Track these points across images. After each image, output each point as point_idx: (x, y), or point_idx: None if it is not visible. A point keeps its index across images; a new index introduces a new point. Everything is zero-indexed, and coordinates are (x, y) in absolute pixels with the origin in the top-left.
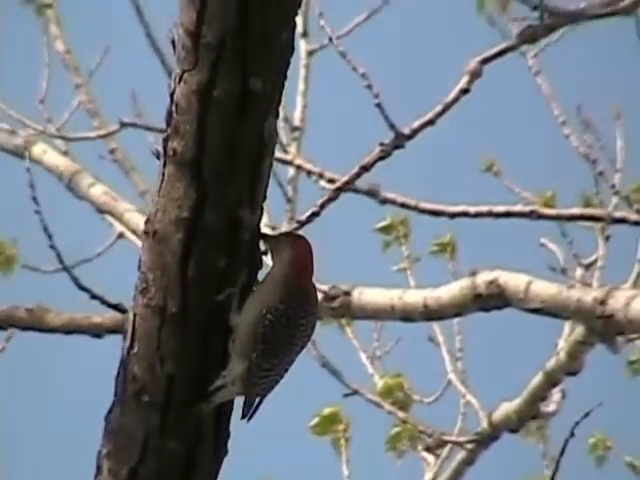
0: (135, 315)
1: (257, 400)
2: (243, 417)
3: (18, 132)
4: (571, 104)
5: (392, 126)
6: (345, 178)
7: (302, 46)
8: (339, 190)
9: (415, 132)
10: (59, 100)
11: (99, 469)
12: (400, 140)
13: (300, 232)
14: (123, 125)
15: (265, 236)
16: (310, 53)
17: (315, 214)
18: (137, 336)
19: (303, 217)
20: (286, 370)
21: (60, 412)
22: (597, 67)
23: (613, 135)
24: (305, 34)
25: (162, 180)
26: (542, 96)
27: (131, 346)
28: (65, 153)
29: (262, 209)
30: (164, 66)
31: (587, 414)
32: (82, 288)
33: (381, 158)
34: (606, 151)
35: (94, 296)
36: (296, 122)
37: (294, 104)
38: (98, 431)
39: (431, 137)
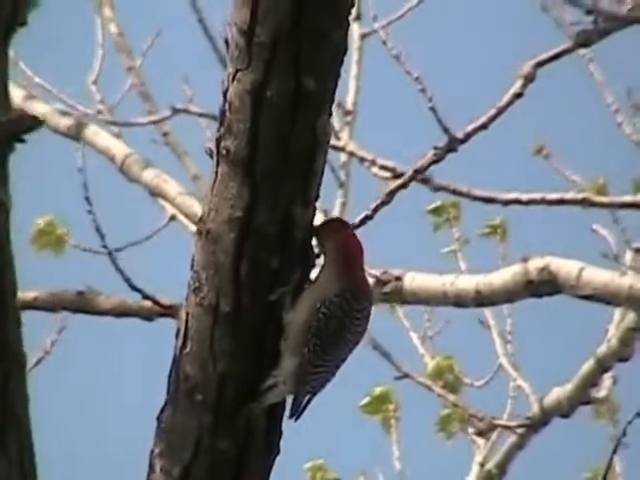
0: (188, 314)
1: (306, 398)
2: (291, 416)
3: (71, 114)
4: (623, 91)
5: (446, 130)
6: (399, 182)
7: (355, 29)
8: (393, 193)
9: (468, 136)
10: (112, 82)
11: (151, 468)
12: (453, 144)
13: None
14: (175, 111)
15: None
16: (363, 36)
17: (368, 217)
18: (190, 335)
19: (356, 220)
20: (337, 367)
21: (113, 410)
22: None
23: None
24: (358, 17)
25: (215, 179)
26: (595, 84)
27: (184, 345)
28: (117, 136)
29: (315, 207)
30: (215, 52)
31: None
32: (133, 288)
33: (434, 162)
34: None
35: (145, 296)
36: (348, 106)
37: (346, 88)
38: (151, 430)
39: None
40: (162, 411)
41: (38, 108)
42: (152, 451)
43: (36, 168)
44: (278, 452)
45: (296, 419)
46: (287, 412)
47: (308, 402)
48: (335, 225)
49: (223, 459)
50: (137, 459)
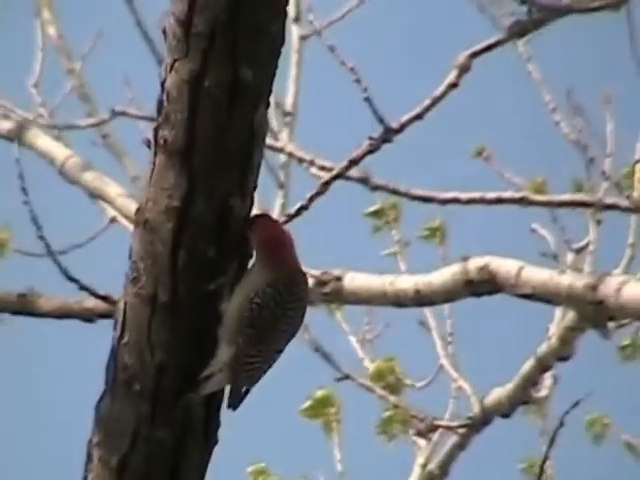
0: (126, 304)
1: (244, 390)
2: (229, 406)
3: (10, 117)
4: (561, 89)
5: (381, 120)
6: (334, 172)
7: (294, 31)
8: (328, 184)
9: (403, 126)
10: (52, 85)
11: (89, 457)
12: (389, 134)
13: (285, 220)
14: (115, 114)
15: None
16: (302, 38)
17: (304, 207)
18: (127, 325)
19: (292, 210)
20: (274, 359)
21: (51, 401)
22: (586, 52)
23: (603, 120)
24: (297, 19)
25: (153, 169)
26: (533, 82)
27: (121, 335)
28: (57, 138)
29: (252, 198)
30: (154, 54)
31: (577, 403)
32: (70, 278)
33: (370, 152)
34: (596, 136)
35: (82, 287)
36: (288, 108)
37: (286, 89)
38: (88, 420)
39: (421, 123)
40: (100, 400)
41: None
42: (90, 440)
43: None
44: (216, 442)
45: (234, 409)
46: (225, 403)
47: (246, 392)
48: (260, 220)
49: (161, 448)
50: (76, 449)
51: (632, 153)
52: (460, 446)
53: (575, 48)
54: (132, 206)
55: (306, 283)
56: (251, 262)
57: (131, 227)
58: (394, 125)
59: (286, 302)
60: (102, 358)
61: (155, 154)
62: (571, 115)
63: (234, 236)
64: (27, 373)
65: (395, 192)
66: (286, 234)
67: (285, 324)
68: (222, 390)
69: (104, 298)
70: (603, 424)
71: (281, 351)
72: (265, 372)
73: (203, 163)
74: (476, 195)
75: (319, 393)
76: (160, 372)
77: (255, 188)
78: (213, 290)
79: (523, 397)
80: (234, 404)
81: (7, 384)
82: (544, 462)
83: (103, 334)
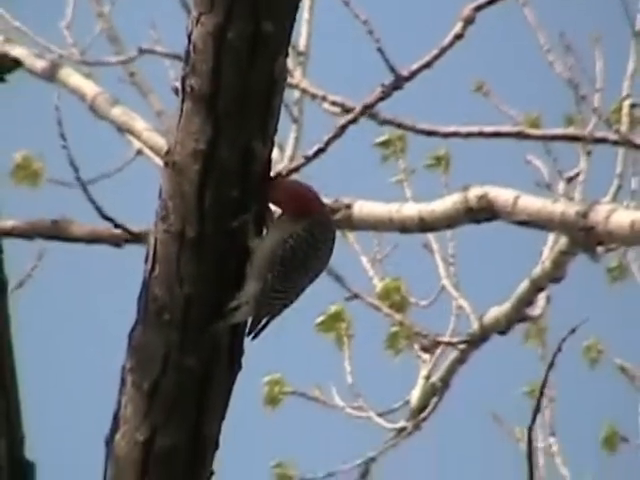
0: (156, 240)
1: (265, 320)
2: (249, 334)
3: (44, 57)
4: (553, 32)
5: (392, 69)
6: (349, 117)
7: None
8: (344, 127)
9: (413, 74)
10: (83, 27)
11: (123, 382)
12: (399, 82)
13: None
14: (142, 52)
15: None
16: None
17: (321, 150)
18: (158, 259)
19: (310, 152)
20: (297, 295)
21: (89, 330)
22: None
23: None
24: None
25: (180, 115)
26: (528, 25)
27: (152, 269)
28: (88, 76)
29: (273, 142)
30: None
31: (573, 330)
32: (100, 213)
33: (381, 98)
34: (586, 74)
35: (107, 218)
36: (301, 48)
37: (299, 31)
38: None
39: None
40: (133, 330)
41: (15, 51)
42: (124, 367)
43: (13, 107)
44: (240, 368)
45: (253, 338)
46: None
47: (266, 323)
48: (281, 181)
49: (189, 374)
50: (112, 375)
51: (620, 90)
52: (460, 361)
53: None
54: (157, 139)
55: (334, 228)
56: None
57: (156, 159)
58: (404, 73)
59: (317, 244)
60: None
61: (182, 101)
62: (563, 55)
63: (256, 177)
64: (69, 302)
65: (401, 126)
66: (308, 187)
67: (313, 265)
68: (246, 320)
69: (137, 234)
70: (598, 350)
71: (304, 289)
72: (286, 307)
73: (227, 109)
74: (475, 129)
75: (331, 309)
76: (188, 303)
77: (275, 132)
78: (237, 227)
79: (519, 315)
80: (255, 334)
81: (51, 312)
82: (544, 385)
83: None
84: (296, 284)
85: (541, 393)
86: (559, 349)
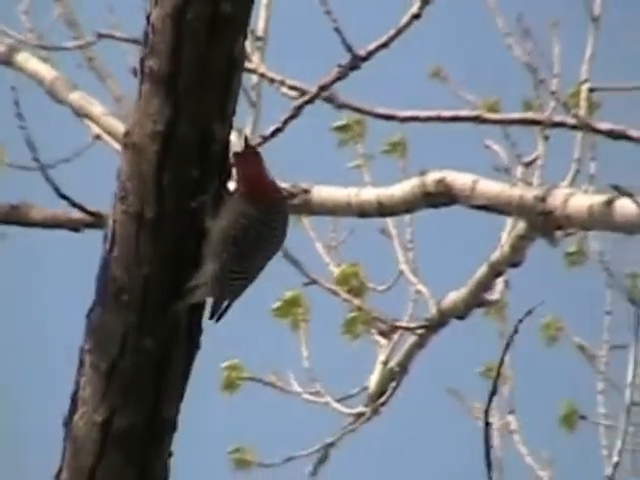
0: (115, 221)
1: (226, 303)
2: (211, 318)
3: (2, 41)
4: (512, 16)
5: (349, 49)
6: (305, 97)
7: None
8: (300, 108)
9: (370, 54)
10: (41, 12)
11: (81, 363)
12: (356, 62)
13: (260, 141)
14: (100, 36)
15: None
16: None
17: (278, 130)
18: (117, 240)
19: (267, 133)
20: (255, 275)
21: (48, 310)
22: None
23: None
24: None
25: (139, 96)
26: (487, 9)
27: (111, 249)
28: (46, 61)
29: (231, 123)
30: None
31: (530, 311)
32: (60, 195)
33: (338, 79)
34: (544, 58)
35: (72, 203)
36: (260, 32)
37: (258, 15)
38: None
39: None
40: (91, 310)
41: None
42: (82, 348)
43: None
44: (198, 348)
45: (216, 321)
46: (207, 313)
47: (227, 306)
48: (245, 155)
49: (147, 354)
50: (70, 356)
51: (578, 74)
52: (419, 345)
53: None
54: (115, 124)
55: (287, 208)
56: (233, 189)
57: (114, 144)
58: (361, 53)
59: (271, 222)
60: (91, 270)
61: (141, 82)
62: (521, 39)
63: (215, 158)
64: (28, 285)
65: (359, 110)
66: (267, 169)
67: (268, 244)
68: (204, 299)
69: (94, 214)
70: (556, 327)
71: (262, 268)
72: (246, 287)
73: (186, 90)
74: (433, 113)
75: (288, 294)
76: (147, 283)
77: (234, 113)
78: (196, 208)
79: (477, 300)
80: (216, 316)
81: (8, 292)
82: (500, 365)
83: (92, 247)
84: (253, 264)
85: (497, 374)
86: (516, 331)
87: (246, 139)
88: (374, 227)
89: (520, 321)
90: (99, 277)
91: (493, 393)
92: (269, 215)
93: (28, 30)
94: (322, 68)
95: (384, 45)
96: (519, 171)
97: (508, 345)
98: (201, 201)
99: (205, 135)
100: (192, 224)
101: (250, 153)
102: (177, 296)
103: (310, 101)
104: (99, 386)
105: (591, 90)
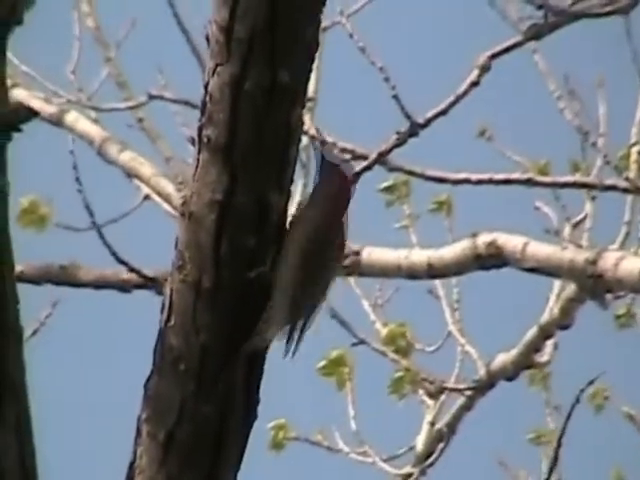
0: (172, 290)
1: (298, 337)
2: (287, 353)
3: (52, 101)
4: (560, 74)
5: (408, 116)
6: (364, 164)
7: None
8: (359, 174)
9: (429, 121)
10: (89, 72)
11: (139, 432)
12: (415, 129)
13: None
14: (151, 97)
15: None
16: (324, 29)
17: None
18: (174, 309)
19: None
20: (324, 296)
21: (105, 378)
22: (584, 41)
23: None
24: None
25: (197, 166)
26: (539, 72)
27: (168, 319)
28: (95, 121)
29: (290, 192)
30: (189, 43)
31: (592, 382)
32: (117, 258)
33: (397, 146)
34: (591, 118)
35: (120, 260)
36: (310, 93)
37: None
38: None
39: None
40: (149, 380)
41: (22, 95)
42: (139, 417)
43: (20, 152)
44: (255, 418)
45: (292, 355)
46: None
47: (300, 338)
48: (336, 170)
49: (205, 423)
50: (128, 425)
51: (626, 136)
52: (466, 407)
53: (575, 38)
54: (164, 185)
55: (347, 225)
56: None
57: (163, 204)
58: (420, 121)
59: (337, 241)
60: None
61: (199, 151)
62: (569, 100)
63: (272, 228)
64: (84, 351)
65: (411, 173)
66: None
67: (334, 261)
68: (262, 368)
69: (150, 279)
70: (604, 396)
71: (329, 287)
72: (317, 311)
73: (243, 160)
74: (485, 176)
75: (334, 353)
76: (204, 352)
77: (292, 182)
78: (254, 277)
79: (526, 362)
80: (292, 351)
81: (66, 360)
82: (561, 436)
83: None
84: (321, 284)
85: (558, 444)
86: (577, 400)
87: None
88: (421, 286)
89: (582, 391)
90: (156, 346)
91: (554, 464)
92: (337, 234)
93: (78, 90)
94: (374, 126)
95: (443, 112)
96: (567, 232)
97: (570, 413)
98: (258, 272)
99: (262, 204)
100: (249, 294)
101: (343, 171)
102: (253, 333)
103: (369, 167)
104: (156, 455)
105: None
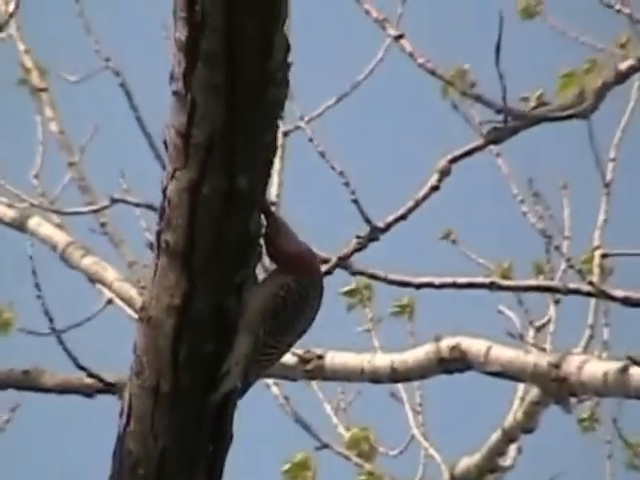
0: (131, 395)
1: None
2: (239, 397)
3: (14, 205)
4: (524, 177)
5: (368, 221)
6: (325, 268)
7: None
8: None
9: (389, 226)
10: (52, 176)
11: None
12: (375, 233)
13: None
14: (114, 201)
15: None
16: (285, 134)
17: None
18: (132, 414)
19: None
20: (286, 351)
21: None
22: (548, 145)
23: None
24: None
25: (155, 270)
26: (501, 175)
27: (127, 423)
28: (59, 226)
29: (246, 296)
30: (152, 147)
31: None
32: (77, 364)
33: (357, 250)
34: (554, 221)
35: (79, 366)
36: (272, 198)
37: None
38: None
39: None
40: None
41: None
42: None
43: None
44: None
45: (240, 398)
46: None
47: (249, 385)
48: (281, 239)
49: None
50: None
51: (589, 239)
52: None
53: (537, 141)
54: (127, 289)
55: (322, 284)
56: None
57: (126, 308)
58: (380, 225)
59: (308, 298)
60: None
61: (157, 256)
62: (533, 203)
63: (229, 331)
64: (44, 454)
65: (373, 277)
66: (308, 249)
67: (304, 319)
68: (221, 473)
69: (111, 385)
70: None
71: (292, 346)
72: (274, 364)
73: (202, 265)
74: (448, 280)
75: (298, 456)
76: (162, 457)
77: (251, 286)
78: (211, 381)
79: (490, 466)
80: (241, 393)
81: (26, 464)
82: None
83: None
84: (286, 339)
85: None
86: None
87: (268, 214)
88: (383, 389)
89: None
90: (115, 450)
91: None
92: (306, 286)
93: (40, 194)
94: (336, 230)
95: (402, 217)
96: (530, 334)
97: None
98: (219, 375)
99: (220, 309)
100: (208, 396)
101: (277, 225)
102: (210, 387)
103: (329, 272)
104: None
105: (604, 256)
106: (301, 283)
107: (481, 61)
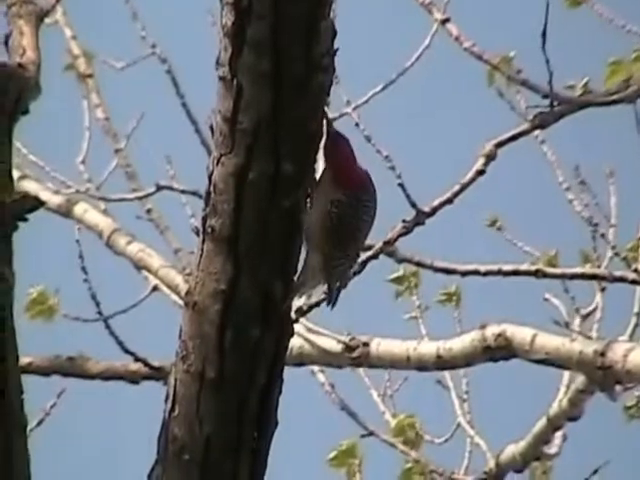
0: (176, 380)
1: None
2: (327, 304)
3: (61, 192)
4: (570, 165)
5: (414, 205)
6: (370, 252)
7: None
8: (365, 263)
9: (435, 210)
10: (99, 162)
11: None
12: (421, 218)
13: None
14: (159, 188)
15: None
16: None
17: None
18: (178, 399)
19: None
20: (358, 256)
21: (106, 470)
22: (595, 132)
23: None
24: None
25: (201, 255)
26: (548, 162)
27: (172, 409)
28: (104, 212)
29: (294, 281)
30: (198, 133)
31: (596, 471)
32: (124, 348)
33: (403, 234)
34: (601, 209)
35: (126, 350)
36: None
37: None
38: None
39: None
40: (152, 470)
41: (31, 186)
42: None
43: (28, 243)
44: None
45: (332, 307)
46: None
47: (338, 292)
48: (332, 140)
49: None
50: None
51: (636, 227)
52: None
53: (583, 129)
54: (173, 276)
55: (374, 187)
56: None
57: (172, 295)
58: (426, 209)
59: (362, 204)
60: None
61: (203, 241)
62: (578, 190)
63: (277, 316)
64: (89, 441)
65: (420, 264)
66: (349, 146)
67: (363, 226)
68: (266, 459)
69: (157, 369)
70: None
71: (362, 248)
72: (352, 267)
73: (248, 250)
74: (494, 267)
75: (344, 444)
76: (208, 442)
77: (296, 272)
78: (255, 366)
79: (535, 454)
80: (331, 302)
81: (71, 451)
82: None
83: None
84: (354, 247)
85: None
86: None
87: (329, 124)
88: (430, 376)
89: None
90: (160, 436)
91: None
92: (359, 198)
93: (86, 181)
94: (379, 220)
95: (448, 201)
96: (577, 323)
97: None
98: (264, 367)
99: (266, 294)
100: (253, 383)
101: (336, 138)
102: (291, 291)
103: (375, 256)
104: None
105: None
106: (354, 197)
107: (527, 53)
